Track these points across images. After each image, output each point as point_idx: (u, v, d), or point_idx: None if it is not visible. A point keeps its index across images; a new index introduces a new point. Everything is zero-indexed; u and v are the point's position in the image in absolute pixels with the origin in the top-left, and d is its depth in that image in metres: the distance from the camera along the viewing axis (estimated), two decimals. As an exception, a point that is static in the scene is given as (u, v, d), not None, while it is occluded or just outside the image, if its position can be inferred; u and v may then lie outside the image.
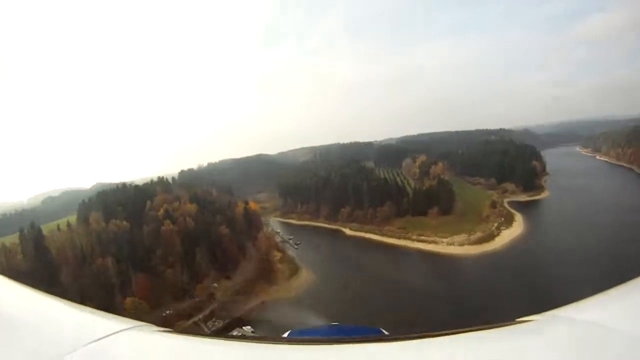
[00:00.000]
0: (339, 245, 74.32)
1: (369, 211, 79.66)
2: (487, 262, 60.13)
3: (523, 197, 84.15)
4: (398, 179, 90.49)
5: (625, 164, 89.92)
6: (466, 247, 65.40)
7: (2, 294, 2.12)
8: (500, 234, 67.86)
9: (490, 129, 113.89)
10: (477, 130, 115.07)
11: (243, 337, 2.05)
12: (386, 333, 3.25)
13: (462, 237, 67.47)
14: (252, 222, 75.60)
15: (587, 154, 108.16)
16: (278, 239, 77.76)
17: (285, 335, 3.56)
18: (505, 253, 61.95)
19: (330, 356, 1.76)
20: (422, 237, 70.38)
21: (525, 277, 51.87)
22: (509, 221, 71.86)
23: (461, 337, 1.77)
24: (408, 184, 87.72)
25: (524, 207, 78.99)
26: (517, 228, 69.10)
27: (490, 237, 67.01)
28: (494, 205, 77.23)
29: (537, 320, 1.79)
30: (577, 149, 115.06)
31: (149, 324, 2.03)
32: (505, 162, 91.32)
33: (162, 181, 79.61)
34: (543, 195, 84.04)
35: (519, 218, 73.12)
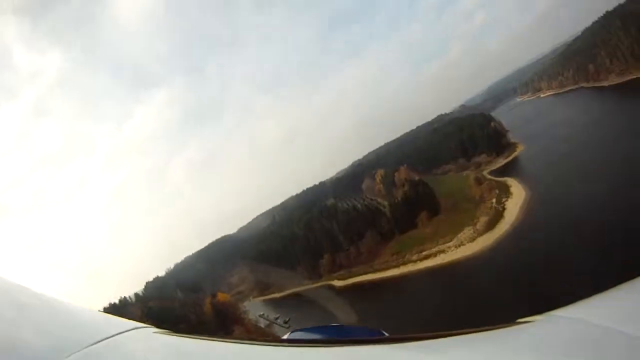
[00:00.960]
0: (332, 306, 57.98)
1: (351, 251, 66.25)
2: (513, 244, 47.26)
3: (501, 161, 74.65)
4: (366, 202, 77.88)
5: (572, 87, 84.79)
6: (479, 240, 52.42)
7: (2, 296, 2.01)
8: (506, 206, 55.87)
9: (429, 120, 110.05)
10: (417, 128, 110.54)
11: (244, 338, 2.03)
12: (386, 334, 2.83)
13: (467, 231, 54.72)
14: (226, 315, 64.04)
15: (530, 98, 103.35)
16: (263, 323, 65.18)
17: (286, 336, 3.20)
18: (525, 223, 49.56)
19: (331, 357, 1.76)
20: (425, 253, 56.63)
21: (569, 231, 39.50)
22: (505, 190, 60.61)
23: (461, 337, 1.76)
24: (379, 203, 75.17)
25: (510, 170, 69.10)
26: (519, 192, 57.68)
27: (497, 215, 54.73)
28: (479, 181, 66.20)
29: (538, 320, 1.78)
30: (518, 99, 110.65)
31: (149, 326, 1.99)
32: (464, 137, 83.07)
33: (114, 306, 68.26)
34: (519, 150, 74.78)
35: (512, 182, 62.21)
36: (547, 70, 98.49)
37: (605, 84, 73.60)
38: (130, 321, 1.95)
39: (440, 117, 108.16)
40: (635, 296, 1.89)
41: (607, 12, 79.35)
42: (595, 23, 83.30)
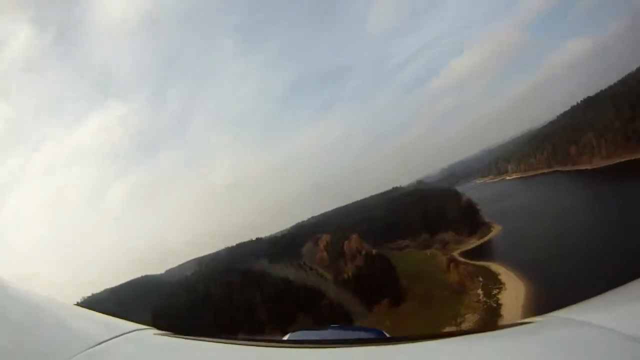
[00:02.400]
0: None
1: (273, 336, 44.08)
2: None
3: (474, 242, 60.71)
4: (305, 272, 58.22)
5: (545, 170, 76.73)
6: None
7: (2, 298, 1.97)
8: (501, 301, 39.55)
9: (384, 191, 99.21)
10: (371, 197, 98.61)
11: (244, 339, 1.96)
12: (387, 335, 2.94)
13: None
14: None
15: (493, 180, 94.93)
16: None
17: (287, 337, 3.04)
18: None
19: (331, 358, 1.74)
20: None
21: None
22: (491, 278, 44.89)
23: (462, 338, 1.75)
24: (320, 274, 56.08)
25: (486, 253, 54.78)
26: (513, 283, 41.95)
27: (492, 314, 37.85)
28: (454, 264, 50.37)
29: (538, 321, 1.76)
30: (477, 181, 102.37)
31: (150, 327, 1.96)
32: (430, 210, 69.83)
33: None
34: (495, 230, 61.53)
35: (498, 268, 46.99)
36: (516, 152, 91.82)
37: (589, 166, 64.95)
38: (131, 323, 1.90)
39: (394, 190, 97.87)
40: (635, 297, 1.87)
41: (595, 93, 75.22)
42: (579, 105, 78.55)
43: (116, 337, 1.69)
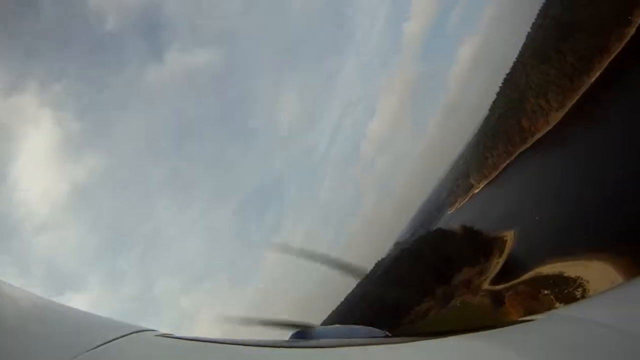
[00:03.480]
0: None
1: None
2: None
3: (498, 261, 48.71)
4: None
5: (509, 159, 70.52)
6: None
7: (2, 299, 1.97)
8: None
9: (369, 271, 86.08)
10: (357, 285, 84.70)
11: (246, 341, 1.94)
12: (388, 334, 2.93)
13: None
14: None
15: (464, 201, 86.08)
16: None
17: (287, 338, 2.97)
18: None
19: (332, 358, 1.73)
20: None
21: None
22: (556, 282, 31.43)
23: (462, 337, 1.74)
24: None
25: (523, 262, 42.04)
26: (584, 268, 28.80)
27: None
28: (501, 294, 36.43)
29: (538, 319, 1.75)
30: (449, 212, 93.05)
31: (151, 329, 1.95)
32: (428, 260, 57.82)
33: None
34: (510, 236, 49.88)
35: (552, 268, 34.04)
36: (471, 162, 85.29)
37: (548, 127, 58.52)
38: (131, 324, 1.88)
39: (378, 264, 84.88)
40: (635, 295, 1.81)
41: (510, 68, 73.70)
42: (503, 87, 75.99)
43: (117, 338, 1.65)
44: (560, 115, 56.79)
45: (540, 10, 72.57)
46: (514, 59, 75.95)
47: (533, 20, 73.48)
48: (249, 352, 1.80)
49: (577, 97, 53.23)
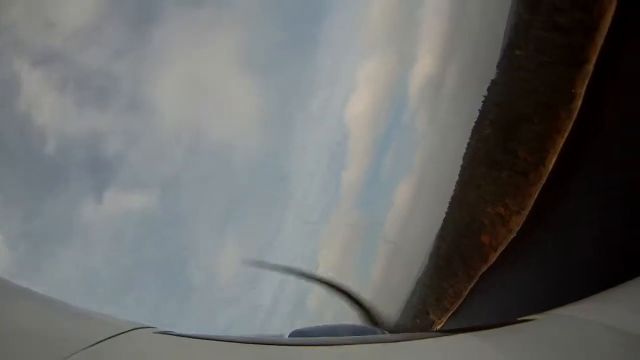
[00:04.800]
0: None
1: None
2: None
3: None
4: None
5: (471, 283, 56.26)
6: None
7: (1, 296, 1.96)
8: None
9: None
10: None
11: (245, 338, 1.94)
12: (387, 333, 3.36)
13: None
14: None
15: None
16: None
17: (287, 336, 3.48)
18: None
19: (331, 357, 1.80)
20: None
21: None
22: None
23: (462, 336, 1.86)
24: None
25: None
26: None
27: None
28: None
29: (537, 319, 1.82)
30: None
31: (150, 326, 2.01)
32: None
33: None
34: None
35: None
36: (427, 299, 69.58)
37: (512, 235, 47.29)
38: (131, 321, 1.92)
39: None
40: (634, 295, 1.87)
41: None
42: (451, 206, 66.46)
43: (116, 335, 1.65)
44: (522, 218, 45.76)
45: (475, 126, 69.15)
46: (455, 180, 69.20)
47: (467, 140, 69.53)
48: (247, 349, 1.82)
49: (538, 191, 43.23)
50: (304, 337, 3.25)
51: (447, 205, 68.72)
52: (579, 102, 37.00)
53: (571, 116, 38.43)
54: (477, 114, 65.28)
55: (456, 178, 67.22)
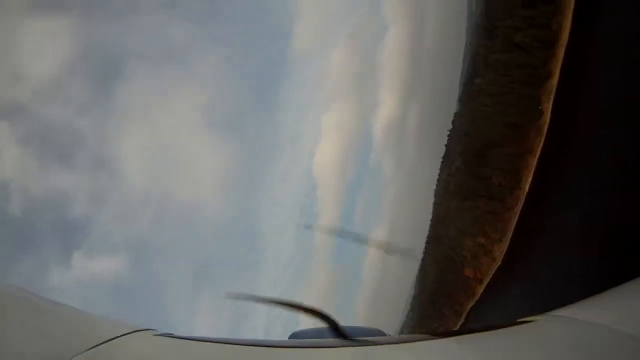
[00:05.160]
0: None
1: None
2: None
3: None
4: None
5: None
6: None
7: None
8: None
9: None
10: None
11: (246, 340, 1.90)
12: (388, 334, 3.05)
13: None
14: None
15: None
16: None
17: (288, 338, 3.21)
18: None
19: (331, 359, 1.72)
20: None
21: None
22: None
23: (461, 338, 1.75)
24: None
25: None
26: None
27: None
28: None
29: (537, 320, 1.73)
30: None
31: (150, 329, 1.92)
32: None
33: None
34: None
35: None
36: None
37: (496, 265, 45.10)
38: (130, 324, 1.85)
39: None
40: (636, 296, 1.79)
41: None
42: (429, 245, 63.84)
43: (115, 338, 1.62)
44: (505, 245, 43.67)
45: (443, 160, 69.12)
46: (430, 217, 67.65)
47: (437, 176, 69.05)
48: (249, 352, 1.76)
49: (517, 215, 41.55)
50: (305, 339, 2.74)
51: (424, 247, 66.48)
52: (548, 118, 36.48)
53: (541, 133, 37.73)
54: (443, 149, 65.01)
55: (430, 215, 65.56)
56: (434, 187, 71.31)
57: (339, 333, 2.28)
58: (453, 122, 63.06)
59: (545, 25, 30.90)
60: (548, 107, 37.00)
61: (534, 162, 39.37)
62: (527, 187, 39.81)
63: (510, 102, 40.96)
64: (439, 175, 72.32)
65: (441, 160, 71.15)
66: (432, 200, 71.41)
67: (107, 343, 1.55)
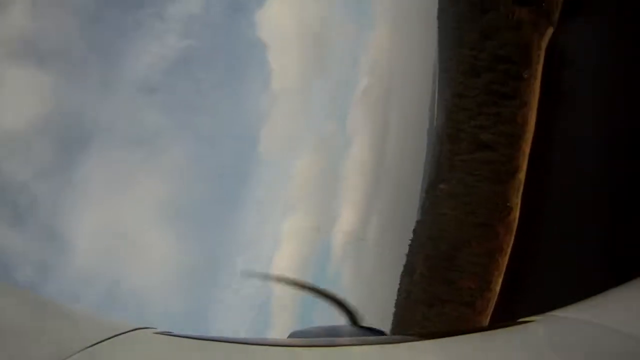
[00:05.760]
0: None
1: None
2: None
3: None
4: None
5: None
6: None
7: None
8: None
9: None
10: None
11: (247, 339, 1.86)
12: (387, 334, 3.05)
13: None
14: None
15: None
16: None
17: (287, 337, 3.19)
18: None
19: (331, 358, 1.73)
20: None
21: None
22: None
23: (461, 337, 1.74)
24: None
25: None
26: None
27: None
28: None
29: (537, 320, 1.73)
30: None
31: (150, 327, 1.89)
32: None
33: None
34: None
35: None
36: None
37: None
38: (130, 322, 1.82)
39: None
40: (636, 296, 1.80)
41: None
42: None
43: (115, 336, 1.61)
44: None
45: (404, 269, 66.64)
46: (389, 332, 62.23)
47: (397, 286, 65.81)
48: (250, 350, 1.76)
49: (487, 319, 38.14)
50: (304, 337, 2.85)
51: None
52: (517, 214, 35.69)
53: (510, 230, 36.55)
54: (404, 258, 62.52)
55: (390, 326, 59.69)
56: (394, 297, 67.12)
57: (357, 325, 2.67)
58: (414, 230, 61.82)
59: (511, 119, 32.24)
60: (517, 203, 36.63)
61: (504, 261, 37.33)
62: (498, 288, 37.01)
63: (478, 201, 40.55)
64: (399, 285, 68.66)
65: (402, 269, 68.63)
66: (392, 310, 66.44)
67: (106, 341, 1.53)
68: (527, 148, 31.57)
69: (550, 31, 28.04)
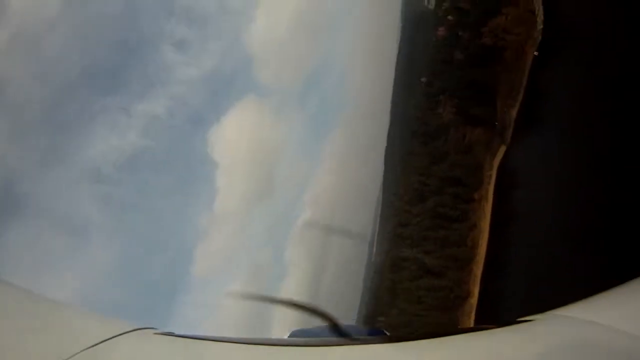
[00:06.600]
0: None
1: None
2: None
3: None
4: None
5: None
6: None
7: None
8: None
9: None
10: None
11: (248, 339, 1.91)
12: (387, 334, 3.44)
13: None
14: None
15: None
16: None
17: (287, 336, 3.56)
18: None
19: (331, 358, 1.71)
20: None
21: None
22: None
23: (461, 337, 1.79)
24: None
25: None
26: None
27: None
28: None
29: (537, 319, 1.75)
30: None
31: (151, 327, 1.92)
32: None
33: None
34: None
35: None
36: None
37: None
38: (131, 323, 1.85)
39: None
40: (636, 296, 1.82)
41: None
42: None
43: (115, 336, 1.61)
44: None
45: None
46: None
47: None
48: (249, 350, 1.75)
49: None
50: (304, 337, 2.87)
51: None
52: (480, 270, 33.39)
53: (479, 286, 33.71)
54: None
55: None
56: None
57: (339, 331, 2.32)
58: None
59: (460, 242, 32.61)
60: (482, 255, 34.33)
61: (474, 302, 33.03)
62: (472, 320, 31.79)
63: (425, 330, 37.88)
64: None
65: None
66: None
67: (106, 341, 1.53)
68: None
69: (503, 149, 28.69)
